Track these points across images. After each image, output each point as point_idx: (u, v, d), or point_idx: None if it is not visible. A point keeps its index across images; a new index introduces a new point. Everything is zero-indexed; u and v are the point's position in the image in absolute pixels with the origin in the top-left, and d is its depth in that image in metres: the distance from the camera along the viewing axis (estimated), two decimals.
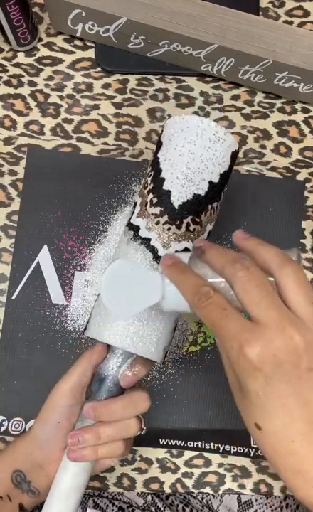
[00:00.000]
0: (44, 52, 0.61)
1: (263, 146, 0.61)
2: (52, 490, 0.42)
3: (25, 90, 0.60)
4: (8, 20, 0.54)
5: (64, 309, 0.56)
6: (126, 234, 0.46)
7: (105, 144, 0.60)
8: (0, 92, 0.60)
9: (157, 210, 0.44)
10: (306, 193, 0.60)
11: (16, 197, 0.58)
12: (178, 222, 0.45)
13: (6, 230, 0.58)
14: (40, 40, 0.61)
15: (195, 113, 0.61)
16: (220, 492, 0.55)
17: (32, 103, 0.60)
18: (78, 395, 0.45)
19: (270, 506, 0.57)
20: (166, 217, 0.44)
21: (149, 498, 0.54)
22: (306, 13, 0.63)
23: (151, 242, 0.44)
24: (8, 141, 0.59)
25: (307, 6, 0.63)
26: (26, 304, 0.56)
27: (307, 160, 0.61)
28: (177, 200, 0.45)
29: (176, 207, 0.44)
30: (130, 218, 0.47)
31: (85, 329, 0.46)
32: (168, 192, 0.44)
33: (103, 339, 0.43)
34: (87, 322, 0.46)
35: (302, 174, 0.60)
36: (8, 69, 0.60)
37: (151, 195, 0.45)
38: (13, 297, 0.56)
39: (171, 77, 0.61)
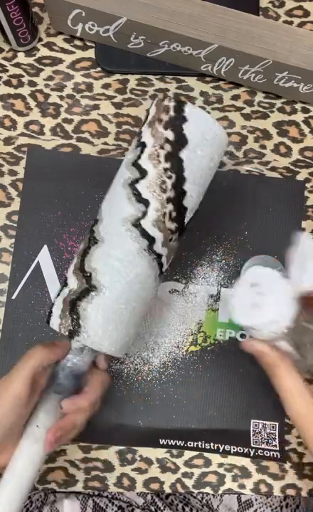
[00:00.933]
0: (44, 52, 0.61)
1: (263, 146, 0.61)
2: (6, 472, 0.42)
3: (25, 90, 0.60)
4: (8, 20, 0.54)
5: None
6: (132, 231, 0.43)
7: (105, 144, 0.60)
8: (0, 92, 0.60)
9: (173, 226, 0.43)
10: (306, 193, 0.60)
11: (16, 197, 0.58)
12: (180, 239, 0.45)
13: (6, 230, 0.58)
14: (40, 40, 0.61)
15: None
16: (220, 492, 0.55)
17: (32, 103, 0.60)
18: (34, 393, 0.43)
19: (270, 506, 0.57)
20: (177, 235, 0.44)
21: (149, 497, 0.54)
22: (306, 13, 0.63)
23: (162, 259, 0.44)
24: (8, 141, 0.59)
25: (307, 6, 0.63)
26: (26, 304, 0.56)
27: (307, 160, 0.61)
28: (187, 217, 0.44)
29: (185, 225, 0.44)
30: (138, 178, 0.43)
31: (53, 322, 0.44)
32: (185, 209, 0.44)
33: (86, 342, 0.42)
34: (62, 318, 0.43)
35: (302, 174, 0.60)
36: (8, 69, 0.60)
37: (170, 207, 0.43)
38: (13, 297, 0.56)
39: (171, 77, 0.61)
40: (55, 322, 0.43)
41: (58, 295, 0.44)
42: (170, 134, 0.42)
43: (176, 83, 0.61)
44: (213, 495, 0.57)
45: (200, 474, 0.56)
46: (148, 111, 0.45)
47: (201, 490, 0.55)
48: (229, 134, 0.61)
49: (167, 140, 0.42)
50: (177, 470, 0.56)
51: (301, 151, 0.61)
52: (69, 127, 0.60)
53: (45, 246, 0.57)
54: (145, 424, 0.56)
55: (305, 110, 0.62)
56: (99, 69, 0.61)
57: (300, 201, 0.60)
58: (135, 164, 0.43)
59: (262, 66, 0.56)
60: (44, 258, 0.57)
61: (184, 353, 0.57)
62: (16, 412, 0.42)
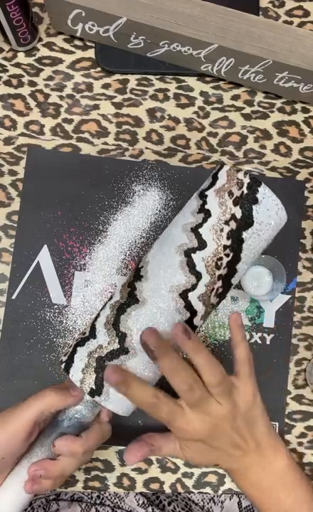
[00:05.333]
0: (44, 52, 0.61)
1: (263, 146, 0.61)
2: None
3: (25, 90, 0.60)
4: (8, 20, 0.54)
5: (64, 309, 0.56)
6: (178, 301, 0.41)
7: (105, 143, 0.60)
8: (0, 92, 0.60)
9: (216, 300, 0.43)
10: (306, 193, 0.60)
11: (16, 197, 0.58)
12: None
13: (6, 230, 0.58)
14: (40, 40, 0.61)
15: (195, 113, 0.61)
16: (220, 492, 0.55)
17: (32, 103, 0.60)
18: (34, 432, 0.43)
19: None
20: (215, 309, 0.45)
21: (150, 509, 0.54)
22: (306, 13, 0.63)
23: (195, 330, 0.44)
24: (8, 141, 0.59)
25: (307, 6, 0.63)
26: (26, 304, 0.56)
27: (307, 160, 0.61)
28: (229, 293, 0.44)
29: (224, 298, 0.44)
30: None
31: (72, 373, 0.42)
32: (231, 285, 0.43)
33: (100, 400, 0.41)
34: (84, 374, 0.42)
35: (302, 174, 0.60)
36: (8, 69, 0.60)
37: (219, 283, 0.42)
38: (13, 297, 0.56)
39: (171, 77, 0.61)
40: (76, 375, 0.41)
41: (82, 344, 0.43)
42: (238, 212, 0.41)
43: (176, 83, 0.61)
44: (213, 501, 0.57)
45: (200, 474, 0.56)
46: (215, 175, 0.44)
47: (201, 490, 0.56)
48: (229, 134, 0.61)
49: (234, 217, 0.41)
50: (177, 470, 0.56)
51: (301, 151, 0.61)
52: (69, 127, 0.60)
53: (45, 246, 0.57)
54: (145, 424, 0.56)
55: (305, 110, 0.62)
56: (99, 69, 0.61)
57: (300, 201, 0.60)
58: (195, 232, 0.42)
59: (262, 66, 0.56)
60: (44, 258, 0.57)
61: (184, 353, 0.57)
62: (9, 448, 0.41)
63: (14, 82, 0.60)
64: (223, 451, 0.43)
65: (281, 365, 0.57)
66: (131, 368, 0.41)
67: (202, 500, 0.57)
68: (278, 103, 0.62)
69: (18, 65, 0.60)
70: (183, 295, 0.41)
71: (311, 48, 0.55)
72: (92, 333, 0.43)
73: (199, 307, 0.42)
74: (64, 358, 0.43)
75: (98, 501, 0.56)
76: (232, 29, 0.55)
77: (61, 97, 0.60)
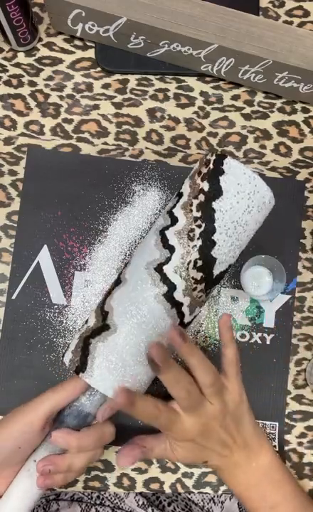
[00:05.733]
0: (44, 52, 0.61)
1: (263, 146, 0.61)
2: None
3: (25, 90, 0.60)
4: (8, 20, 0.54)
5: (64, 309, 0.56)
6: (153, 275, 0.43)
7: (105, 143, 0.60)
8: (0, 92, 0.60)
9: (199, 275, 0.43)
10: (306, 193, 0.60)
11: (16, 197, 0.58)
12: (208, 291, 0.45)
13: (6, 230, 0.58)
14: (40, 40, 0.61)
15: (195, 113, 0.61)
16: (220, 492, 0.55)
17: (32, 103, 0.60)
18: (47, 423, 0.44)
19: None
20: (203, 285, 0.44)
21: (150, 510, 0.54)
22: (306, 13, 0.63)
23: (183, 308, 0.43)
24: (8, 141, 0.59)
25: (307, 6, 0.63)
26: (26, 304, 0.56)
27: (307, 160, 0.61)
28: (217, 269, 0.44)
29: (214, 276, 0.44)
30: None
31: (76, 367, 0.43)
32: (214, 260, 0.43)
33: (97, 386, 0.42)
34: (84, 363, 0.43)
35: (302, 174, 0.60)
36: (8, 69, 0.60)
37: (196, 255, 0.43)
38: (13, 297, 0.56)
39: (171, 77, 0.61)
40: (67, 356, 0.44)
41: (80, 331, 0.45)
42: (206, 185, 0.43)
43: (176, 83, 0.61)
44: (214, 502, 0.57)
45: (200, 474, 0.56)
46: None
47: (201, 490, 0.55)
48: (229, 134, 0.61)
49: (202, 190, 0.43)
50: (177, 470, 0.56)
51: (301, 151, 0.61)
52: (69, 127, 0.60)
53: (45, 246, 0.57)
54: (145, 425, 0.55)
55: (305, 110, 0.62)
56: (99, 69, 0.61)
57: (300, 201, 0.60)
58: (169, 212, 0.44)
59: (262, 66, 0.56)
60: (44, 258, 0.57)
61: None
62: (24, 438, 0.42)
63: (14, 82, 0.60)
64: (212, 450, 0.44)
65: (281, 365, 0.57)
66: (112, 343, 0.42)
67: (202, 501, 0.57)
68: (278, 103, 0.62)
69: (18, 65, 0.60)
70: (158, 268, 0.43)
71: (311, 48, 0.55)
72: (86, 320, 0.46)
73: (177, 280, 0.42)
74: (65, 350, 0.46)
75: (98, 501, 0.56)
76: (232, 29, 0.55)
77: (61, 97, 0.60)
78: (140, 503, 0.55)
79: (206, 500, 0.57)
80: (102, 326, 0.43)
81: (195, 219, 0.43)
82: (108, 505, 0.55)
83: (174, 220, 0.43)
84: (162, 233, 0.44)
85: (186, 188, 0.45)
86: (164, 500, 0.57)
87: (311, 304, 0.59)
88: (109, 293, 0.45)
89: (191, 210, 0.43)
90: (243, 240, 0.45)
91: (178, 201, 0.45)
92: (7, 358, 0.55)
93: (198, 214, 0.43)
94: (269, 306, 0.58)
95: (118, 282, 0.45)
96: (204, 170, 0.44)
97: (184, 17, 0.55)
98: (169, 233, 0.43)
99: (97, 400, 0.45)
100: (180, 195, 0.45)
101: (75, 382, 0.44)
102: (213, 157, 0.44)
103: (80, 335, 0.45)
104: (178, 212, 0.44)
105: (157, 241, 0.44)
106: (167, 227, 0.44)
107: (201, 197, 0.43)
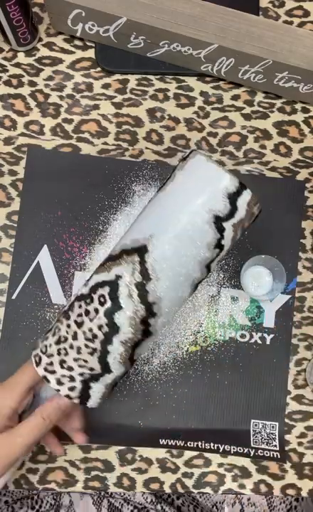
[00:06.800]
0: (44, 52, 0.61)
1: (263, 146, 0.61)
2: None
3: (25, 90, 0.60)
4: (8, 20, 0.54)
5: None
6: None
7: (105, 143, 0.60)
8: (0, 92, 0.60)
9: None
10: (306, 193, 0.60)
11: (16, 197, 0.58)
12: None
13: (6, 230, 0.58)
14: (40, 40, 0.61)
15: (195, 113, 0.61)
16: (220, 492, 0.56)
17: (32, 103, 0.60)
18: (30, 393, 0.46)
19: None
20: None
21: (159, 507, 0.55)
22: (306, 13, 0.63)
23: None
24: (8, 141, 0.59)
25: (307, 6, 0.63)
26: (26, 304, 0.56)
27: (307, 160, 0.61)
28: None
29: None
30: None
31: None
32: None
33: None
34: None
35: (302, 174, 0.60)
36: (8, 69, 0.60)
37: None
38: (13, 297, 0.56)
39: (171, 77, 0.61)
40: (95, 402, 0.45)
41: (98, 380, 0.44)
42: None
43: (176, 83, 0.61)
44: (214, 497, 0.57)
45: (200, 474, 0.56)
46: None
47: (201, 490, 0.56)
48: (229, 134, 0.61)
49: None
50: (177, 470, 0.56)
51: (301, 151, 0.61)
52: (69, 127, 0.60)
53: (45, 246, 0.57)
54: (145, 424, 0.56)
55: (305, 110, 0.62)
56: (99, 69, 0.61)
57: (300, 201, 0.60)
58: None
59: (262, 66, 0.56)
60: (44, 258, 0.57)
61: (184, 353, 0.57)
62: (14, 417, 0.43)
63: (14, 82, 0.60)
64: None
65: (281, 365, 0.57)
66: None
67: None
68: (278, 103, 0.62)
69: (18, 65, 0.60)
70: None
71: (311, 48, 0.55)
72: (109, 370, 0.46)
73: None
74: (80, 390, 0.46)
75: (107, 495, 0.56)
76: (232, 29, 0.55)
77: (61, 97, 0.60)
78: (148, 500, 0.55)
79: (205, 493, 0.58)
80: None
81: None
82: (119, 497, 0.55)
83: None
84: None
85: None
86: (173, 494, 0.57)
87: (311, 304, 0.59)
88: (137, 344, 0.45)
89: None
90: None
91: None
92: (7, 358, 0.55)
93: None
94: (269, 306, 0.58)
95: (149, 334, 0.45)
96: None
97: (184, 17, 0.55)
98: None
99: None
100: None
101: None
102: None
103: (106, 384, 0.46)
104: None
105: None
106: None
107: None
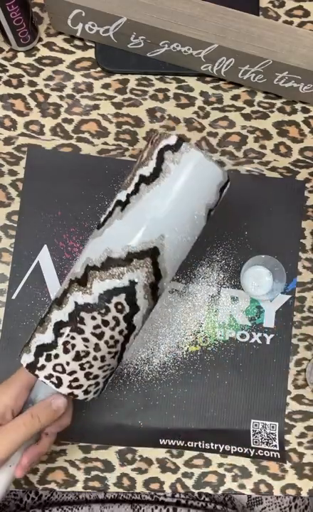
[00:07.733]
0: (44, 52, 0.61)
1: (263, 146, 0.61)
2: None
3: (25, 90, 0.60)
4: (8, 20, 0.54)
5: None
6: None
7: (105, 143, 0.60)
8: (0, 92, 0.60)
9: None
10: (306, 193, 0.60)
11: (16, 197, 0.58)
12: None
13: (6, 230, 0.58)
14: (40, 40, 0.61)
15: (195, 113, 0.61)
16: (220, 492, 0.56)
17: (32, 103, 0.60)
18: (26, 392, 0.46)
19: (279, 505, 0.57)
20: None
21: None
22: (306, 13, 0.63)
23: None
24: (8, 141, 0.59)
25: (307, 6, 0.63)
26: (26, 304, 0.56)
27: (307, 160, 0.61)
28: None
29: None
30: None
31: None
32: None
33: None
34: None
35: (302, 174, 0.60)
36: (8, 69, 0.60)
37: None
38: (13, 297, 0.56)
39: (171, 77, 0.61)
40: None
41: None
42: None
43: (176, 83, 0.61)
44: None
45: (200, 474, 0.56)
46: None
47: (201, 490, 0.56)
48: (229, 134, 0.61)
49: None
50: (177, 470, 0.56)
51: (301, 151, 0.61)
52: (69, 127, 0.60)
53: (45, 246, 0.57)
54: (145, 424, 0.56)
55: (305, 110, 0.62)
56: (99, 69, 0.61)
57: (300, 201, 0.60)
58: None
59: (262, 66, 0.56)
60: (44, 258, 0.57)
61: (184, 353, 0.57)
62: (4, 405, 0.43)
63: (14, 82, 0.60)
64: None
65: (281, 365, 0.57)
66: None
67: None
68: (278, 103, 0.62)
69: (18, 65, 0.60)
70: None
71: (311, 48, 0.55)
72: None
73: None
74: None
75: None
76: (232, 29, 0.55)
77: (61, 97, 0.60)
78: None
79: (206, 493, 0.57)
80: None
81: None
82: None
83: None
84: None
85: None
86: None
87: (311, 304, 0.59)
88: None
89: None
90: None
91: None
92: (7, 358, 0.55)
93: None
94: (269, 306, 0.58)
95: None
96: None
97: (184, 17, 0.55)
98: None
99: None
100: None
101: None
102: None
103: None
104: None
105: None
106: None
107: None
